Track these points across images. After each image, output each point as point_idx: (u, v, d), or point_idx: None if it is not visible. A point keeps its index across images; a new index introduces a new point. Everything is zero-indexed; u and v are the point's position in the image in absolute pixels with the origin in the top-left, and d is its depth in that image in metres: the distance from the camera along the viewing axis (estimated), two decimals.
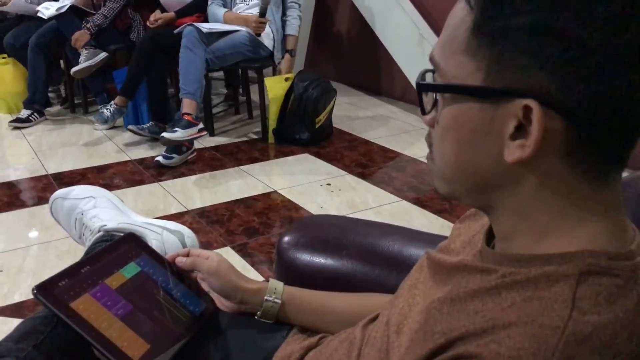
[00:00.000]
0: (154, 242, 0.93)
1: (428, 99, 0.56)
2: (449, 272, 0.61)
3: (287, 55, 3.32)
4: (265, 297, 0.86)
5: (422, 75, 0.56)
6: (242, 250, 2.11)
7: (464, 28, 0.50)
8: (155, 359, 0.73)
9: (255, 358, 0.82)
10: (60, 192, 1.05)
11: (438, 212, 2.40)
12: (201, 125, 2.92)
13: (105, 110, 3.26)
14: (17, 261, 2.06)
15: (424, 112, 0.56)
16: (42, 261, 2.06)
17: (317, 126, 3.23)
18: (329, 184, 2.70)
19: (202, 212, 2.43)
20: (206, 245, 2.15)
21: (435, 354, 0.51)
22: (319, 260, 1.02)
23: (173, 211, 2.44)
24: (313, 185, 2.69)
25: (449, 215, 2.37)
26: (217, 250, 2.09)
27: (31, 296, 1.82)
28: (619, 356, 0.45)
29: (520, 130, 0.49)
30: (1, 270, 2.00)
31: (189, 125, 2.85)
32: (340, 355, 0.71)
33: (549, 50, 0.46)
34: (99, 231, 0.94)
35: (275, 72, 3.40)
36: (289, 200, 2.53)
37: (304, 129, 3.22)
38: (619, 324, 0.46)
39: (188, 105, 2.92)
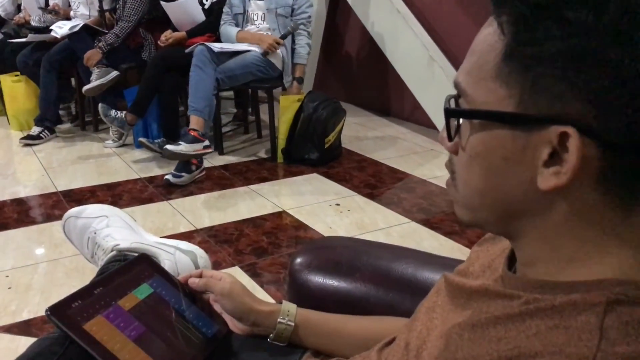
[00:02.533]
0: (166, 263, 0.92)
1: (451, 125, 0.55)
2: (469, 297, 0.60)
3: (295, 83, 3.33)
4: (279, 320, 0.85)
5: (448, 101, 0.56)
6: (251, 270, 2.10)
7: (493, 54, 0.50)
8: None
9: None
10: (73, 210, 1.04)
11: (448, 234, 2.38)
12: (207, 142, 2.92)
13: (115, 113, 3.27)
14: (26, 278, 2.06)
15: (450, 139, 0.55)
16: (50, 279, 2.06)
17: (326, 146, 3.24)
18: (337, 204, 2.70)
19: (211, 231, 2.42)
20: (215, 265, 2.14)
21: None
22: (332, 282, 1.01)
23: (182, 230, 2.44)
24: (322, 206, 2.69)
25: (459, 237, 2.35)
26: (226, 270, 2.08)
27: (40, 314, 1.82)
28: None
29: (554, 157, 0.48)
30: (10, 288, 2.00)
31: (194, 140, 2.86)
32: None
33: (586, 77, 0.45)
34: (112, 250, 0.93)
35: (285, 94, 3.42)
36: (298, 220, 2.52)
37: (313, 149, 3.23)
38: None
39: (195, 122, 2.93)
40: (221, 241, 2.33)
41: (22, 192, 2.87)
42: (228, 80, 3.12)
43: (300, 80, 3.34)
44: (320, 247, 1.09)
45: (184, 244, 0.99)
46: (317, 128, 3.20)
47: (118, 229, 0.98)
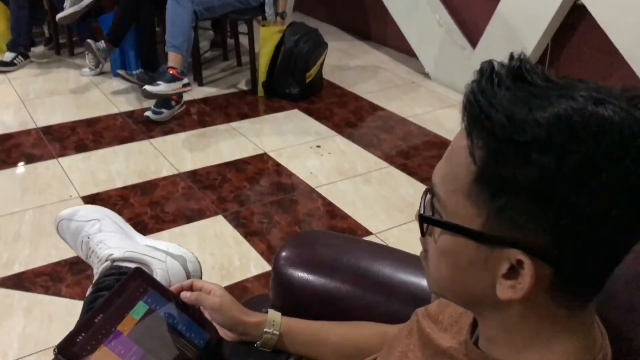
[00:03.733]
0: (158, 272, 0.98)
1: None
2: (436, 354, 0.68)
3: (278, 18, 3.25)
4: (265, 330, 0.93)
5: (424, 198, 0.60)
6: (235, 220, 2.17)
7: (466, 173, 0.54)
8: None
9: None
10: (66, 212, 1.08)
11: (424, 180, 2.46)
12: (186, 80, 2.90)
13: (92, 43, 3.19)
14: (14, 227, 2.11)
15: (423, 235, 0.61)
16: (37, 228, 2.11)
17: (307, 81, 3.22)
18: (318, 146, 2.74)
19: (194, 176, 2.47)
20: (199, 213, 2.20)
21: None
22: (314, 280, 1.08)
23: (165, 173, 2.48)
24: (303, 148, 2.73)
25: None
26: (210, 219, 2.16)
27: (30, 267, 1.88)
28: None
29: (512, 270, 0.54)
30: None
31: (173, 79, 2.83)
32: None
33: (547, 214, 0.50)
34: (106, 260, 0.98)
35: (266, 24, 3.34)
36: (279, 164, 2.57)
37: (294, 84, 3.22)
38: None
39: (173, 59, 2.89)
40: (204, 187, 2.39)
41: (1, 129, 2.85)
42: (206, 12, 3.04)
43: (284, 15, 3.26)
44: (304, 244, 1.15)
45: (174, 248, 1.05)
46: (298, 62, 3.17)
47: (110, 235, 1.03)
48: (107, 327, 0.82)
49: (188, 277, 1.04)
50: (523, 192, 0.51)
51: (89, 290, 0.97)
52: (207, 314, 0.95)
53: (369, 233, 2.12)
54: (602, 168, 0.48)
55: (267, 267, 1.93)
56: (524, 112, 0.50)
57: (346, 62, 3.86)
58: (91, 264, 1.05)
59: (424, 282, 0.95)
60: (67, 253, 1.97)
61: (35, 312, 1.74)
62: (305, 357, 0.95)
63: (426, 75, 3.60)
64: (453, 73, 3.37)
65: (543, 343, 0.58)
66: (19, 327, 1.68)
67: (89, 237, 1.03)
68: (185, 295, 0.93)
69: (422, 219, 0.59)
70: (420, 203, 0.60)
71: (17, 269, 1.91)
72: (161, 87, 2.77)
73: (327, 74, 3.53)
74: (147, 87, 2.76)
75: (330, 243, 1.15)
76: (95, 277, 0.99)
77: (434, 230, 0.59)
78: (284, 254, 1.13)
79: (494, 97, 0.51)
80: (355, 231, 2.12)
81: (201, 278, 1.07)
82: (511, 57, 0.54)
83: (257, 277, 1.88)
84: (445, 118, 3.07)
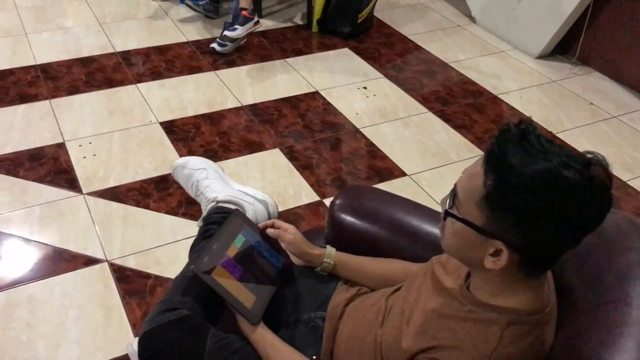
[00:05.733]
0: (249, 213, 1.36)
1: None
2: (442, 290, 1.05)
3: None
4: (324, 260, 1.31)
5: (448, 197, 0.94)
6: (289, 154, 2.53)
7: (478, 191, 0.87)
8: (260, 306, 1.19)
9: (316, 300, 1.29)
10: (180, 161, 1.46)
11: (458, 127, 2.77)
12: (256, 19, 3.21)
13: None
14: (105, 147, 2.52)
15: (444, 219, 0.95)
16: (125, 148, 2.51)
17: (359, 21, 3.46)
18: (365, 88, 3.04)
19: (254, 109, 2.81)
20: (259, 145, 2.57)
21: (423, 350, 0.96)
22: (359, 225, 1.44)
23: (229, 105, 2.83)
24: (351, 88, 3.03)
25: (466, 132, 2.73)
26: (268, 152, 2.53)
27: (122, 182, 2.28)
28: None
29: (496, 252, 0.89)
30: (95, 155, 2.46)
31: (246, 20, 3.14)
32: (371, 316, 1.17)
33: (521, 227, 0.84)
34: (212, 201, 1.36)
35: None
36: (329, 103, 2.89)
37: (346, 23, 3.46)
38: (518, 353, 0.90)
39: (244, 0, 3.17)
40: (264, 121, 2.74)
41: (85, 51, 3.21)
42: None
43: None
44: (354, 196, 1.51)
45: (259, 194, 1.42)
46: (352, 3, 3.40)
47: (214, 181, 1.40)
48: (220, 252, 1.21)
49: (269, 217, 1.42)
50: (511, 213, 0.85)
51: (200, 222, 1.36)
52: (283, 246, 1.33)
53: (403, 174, 2.46)
54: (558, 207, 0.82)
55: (316, 198, 2.31)
56: (520, 165, 0.83)
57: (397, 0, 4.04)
58: (199, 201, 1.43)
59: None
60: (151, 172, 2.38)
61: (130, 220, 2.16)
62: (350, 281, 1.33)
63: (472, 19, 3.78)
64: (497, 20, 3.55)
65: (510, 293, 0.94)
66: (119, 232, 2.11)
67: (198, 182, 1.41)
68: (270, 231, 1.31)
69: (446, 213, 0.94)
70: (447, 198, 0.94)
71: (112, 183, 2.33)
72: (238, 31, 3.11)
73: (377, 12, 3.74)
74: (227, 33, 3.12)
75: (373, 197, 1.51)
76: (204, 214, 1.37)
77: (452, 219, 0.94)
78: (338, 202, 1.49)
79: (504, 151, 0.84)
80: (392, 171, 2.47)
81: (277, 217, 1.44)
82: (520, 121, 0.86)
83: (308, 205, 2.27)
84: (484, 66, 3.31)
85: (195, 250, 1.28)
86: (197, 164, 1.44)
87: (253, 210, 1.38)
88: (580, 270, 1.05)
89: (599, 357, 0.85)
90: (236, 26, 3.13)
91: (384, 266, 1.33)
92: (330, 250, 1.32)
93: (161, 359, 1.11)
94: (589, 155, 0.85)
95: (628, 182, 2.51)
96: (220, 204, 1.36)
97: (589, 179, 0.82)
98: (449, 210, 0.93)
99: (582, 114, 2.96)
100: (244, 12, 3.15)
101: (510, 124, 0.87)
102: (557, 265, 1.00)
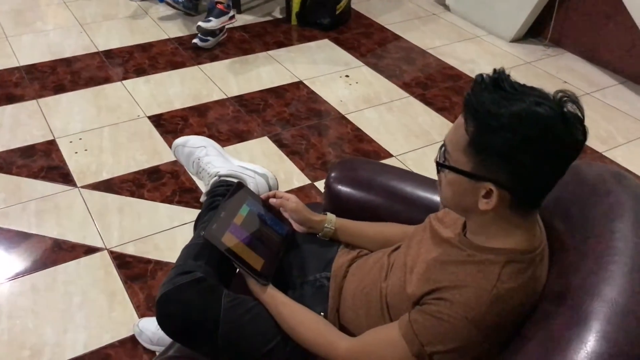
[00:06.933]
0: (251, 185, 1.42)
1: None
2: (440, 241, 1.12)
3: None
4: (325, 225, 1.37)
5: (439, 150, 1.01)
6: (278, 141, 2.59)
7: (463, 139, 0.95)
8: (268, 267, 1.25)
9: (320, 262, 1.35)
10: (180, 140, 1.51)
11: (439, 109, 2.86)
12: (232, 13, 3.27)
13: None
14: (96, 141, 2.55)
15: (438, 173, 1.02)
16: (115, 142, 2.55)
17: (337, 12, 3.54)
18: (347, 76, 3.11)
19: (240, 100, 2.87)
20: (248, 133, 2.63)
21: (428, 293, 1.03)
22: (355, 194, 1.51)
23: (215, 97, 2.88)
24: (333, 77, 3.10)
25: (447, 113, 2.82)
26: (257, 140, 2.59)
27: (116, 174, 2.32)
28: (520, 303, 0.97)
29: (487, 194, 0.96)
30: (86, 150, 2.50)
31: (221, 14, 3.20)
32: (374, 272, 1.24)
33: (506, 165, 0.92)
34: (215, 176, 1.42)
35: None
36: (313, 92, 2.96)
37: (325, 15, 3.53)
38: (517, 287, 0.98)
39: None
40: (250, 110, 2.80)
41: (67, 52, 3.23)
42: None
43: None
44: (348, 167, 1.58)
45: (259, 168, 1.48)
46: None
47: (215, 158, 1.46)
48: (228, 220, 1.27)
49: (270, 189, 1.48)
50: (494, 152, 0.92)
51: (204, 197, 1.41)
52: (286, 214, 1.40)
53: (390, 155, 2.54)
54: (536, 141, 0.89)
55: (307, 181, 2.37)
56: (496, 108, 0.90)
57: None
58: (200, 178, 1.49)
59: (434, 197, 1.39)
60: (143, 164, 2.42)
61: (126, 210, 2.20)
62: (350, 245, 1.40)
63: (446, 7, 3.88)
64: (471, 7, 3.65)
65: (503, 235, 1.01)
66: (116, 221, 2.15)
67: (199, 159, 1.46)
68: (273, 201, 1.37)
69: (438, 164, 1.01)
70: (438, 153, 1.02)
71: (105, 175, 2.37)
72: (212, 23, 3.15)
73: (355, 4, 3.82)
74: (201, 24, 3.15)
75: (367, 168, 1.58)
76: (208, 188, 1.43)
77: (445, 170, 1.01)
78: (333, 174, 1.56)
79: (480, 98, 0.92)
80: (379, 153, 2.55)
81: (278, 189, 1.50)
82: (494, 71, 0.94)
83: (300, 189, 2.33)
84: (461, 51, 3.41)
85: (203, 220, 1.33)
86: (196, 142, 1.49)
87: (254, 183, 1.44)
88: (567, 215, 1.13)
89: (589, 285, 0.93)
90: (210, 18, 3.19)
91: (383, 229, 1.39)
92: (330, 216, 1.39)
93: (179, 319, 1.16)
94: (560, 94, 0.93)
95: (604, 153, 2.62)
96: (222, 178, 1.41)
97: (562, 114, 0.90)
98: (440, 162, 1.01)
99: None
100: (220, 6, 3.21)
101: (484, 74, 0.95)
102: (546, 214, 1.08)
